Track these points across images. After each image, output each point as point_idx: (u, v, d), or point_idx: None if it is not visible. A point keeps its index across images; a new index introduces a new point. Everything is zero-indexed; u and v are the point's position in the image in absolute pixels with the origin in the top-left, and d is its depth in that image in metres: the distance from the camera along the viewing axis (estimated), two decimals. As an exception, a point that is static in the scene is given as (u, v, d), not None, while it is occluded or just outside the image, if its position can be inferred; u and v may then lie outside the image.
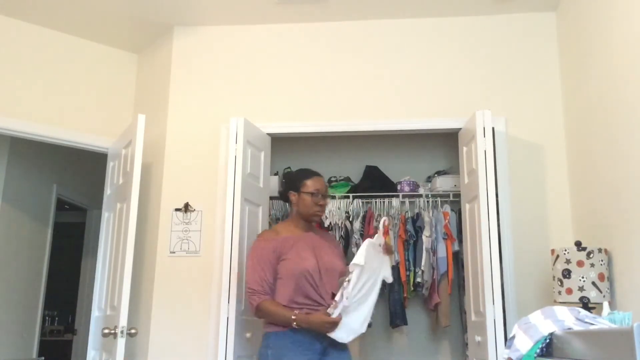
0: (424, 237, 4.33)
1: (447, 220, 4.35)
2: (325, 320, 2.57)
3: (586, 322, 1.84)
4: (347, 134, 3.95)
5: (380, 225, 2.81)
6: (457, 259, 4.41)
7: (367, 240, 2.68)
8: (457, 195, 4.29)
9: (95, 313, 3.71)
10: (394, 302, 4.39)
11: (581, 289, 2.83)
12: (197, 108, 3.93)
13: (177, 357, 3.55)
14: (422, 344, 4.65)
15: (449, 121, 3.73)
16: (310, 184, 2.86)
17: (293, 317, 2.62)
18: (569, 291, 2.86)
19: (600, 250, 2.88)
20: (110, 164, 3.98)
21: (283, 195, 2.98)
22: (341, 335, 2.60)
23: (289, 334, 2.63)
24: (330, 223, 4.51)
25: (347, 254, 4.54)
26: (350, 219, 4.57)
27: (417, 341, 4.66)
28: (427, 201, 4.54)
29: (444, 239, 4.31)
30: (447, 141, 4.76)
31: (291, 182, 2.93)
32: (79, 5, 3.75)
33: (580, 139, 3.36)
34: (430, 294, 4.33)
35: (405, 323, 4.40)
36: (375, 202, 4.65)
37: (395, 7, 3.78)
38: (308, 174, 2.92)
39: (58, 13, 3.83)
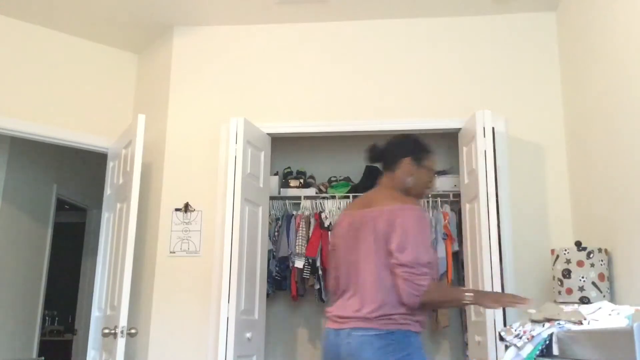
0: (423, 237, 4.32)
1: (446, 221, 4.34)
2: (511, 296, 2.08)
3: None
4: (347, 134, 3.95)
5: None
6: (457, 259, 4.41)
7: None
8: (457, 195, 4.29)
9: (95, 313, 3.72)
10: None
11: (581, 289, 2.83)
12: (197, 108, 3.93)
13: (177, 357, 3.55)
14: (422, 343, 4.64)
15: (448, 121, 3.73)
16: (433, 162, 2.48)
17: (467, 292, 2.14)
18: (569, 291, 2.86)
19: (600, 250, 2.88)
20: (110, 164, 3.98)
21: (389, 157, 2.45)
22: None
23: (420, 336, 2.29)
24: (330, 223, 4.50)
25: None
26: (350, 219, 4.55)
27: (417, 341, 4.65)
28: (427, 201, 4.54)
29: (443, 239, 4.30)
30: (447, 141, 4.75)
31: (414, 148, 2.46)
32: (78, 5, 3.75)
33: (580, 139, 3.36)
34: (430, 293, 4.32)
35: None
36: (375, 202, 4.64)
37: (395, 7, 3.78)
38: (430, 149, 2.50)
39: (58, 13, 3.83)
